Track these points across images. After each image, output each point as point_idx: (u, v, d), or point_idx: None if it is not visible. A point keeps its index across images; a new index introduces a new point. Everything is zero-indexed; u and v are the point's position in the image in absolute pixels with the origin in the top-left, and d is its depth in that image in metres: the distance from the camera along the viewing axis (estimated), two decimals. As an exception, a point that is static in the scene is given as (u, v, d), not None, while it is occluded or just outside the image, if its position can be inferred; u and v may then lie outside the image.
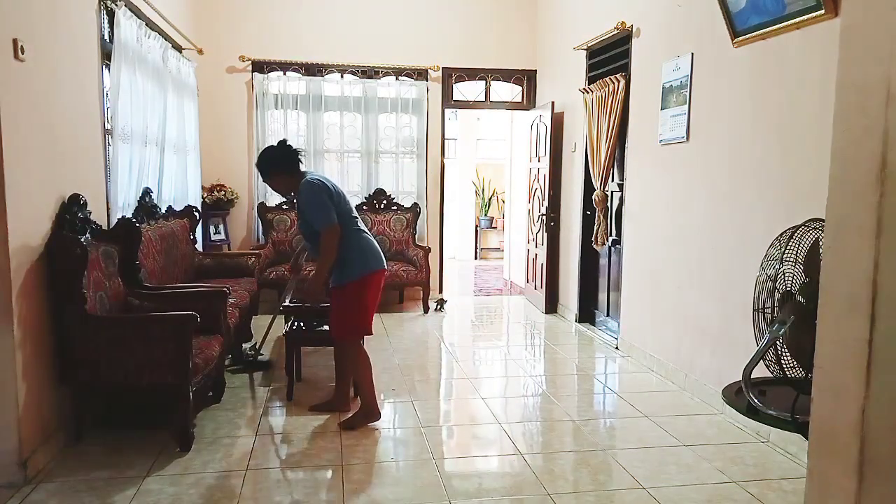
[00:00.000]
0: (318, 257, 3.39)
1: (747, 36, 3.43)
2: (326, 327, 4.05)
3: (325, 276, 3.39)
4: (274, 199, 6.65)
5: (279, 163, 3.42)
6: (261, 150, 3.59)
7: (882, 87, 1.17)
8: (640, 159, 4.77)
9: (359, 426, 3.44)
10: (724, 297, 3.70)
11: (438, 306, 6.64)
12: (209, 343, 3.44)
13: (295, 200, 3.48)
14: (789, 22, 3.11)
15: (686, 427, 3.50)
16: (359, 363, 3.51)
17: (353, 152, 6.84)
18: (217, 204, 6.31)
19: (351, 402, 3.68)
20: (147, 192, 4.42)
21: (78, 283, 3.02)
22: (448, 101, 6.99)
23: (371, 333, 3.57)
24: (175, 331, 3.05)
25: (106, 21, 3.90)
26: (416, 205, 6.84)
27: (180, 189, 5.39)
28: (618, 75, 4.95)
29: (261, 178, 3.57)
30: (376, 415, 3.50)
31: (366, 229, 3.53)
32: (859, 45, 1.25)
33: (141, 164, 4.33)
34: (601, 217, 5.31)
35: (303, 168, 3.50)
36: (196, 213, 5.35)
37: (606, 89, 5.10)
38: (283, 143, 3.50)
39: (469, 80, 7.07)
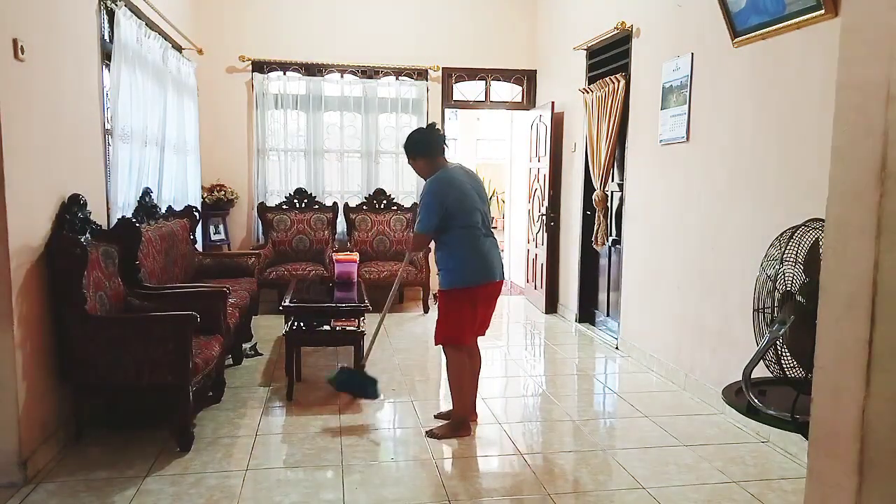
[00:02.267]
0: (411, 249, 3.60)
1: (747, 36, 3.43)
2: (327, 327, 4.07)
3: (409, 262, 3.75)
4: (274, 199, 6.65)
5: (418, 147, 3.39)
6: (413, 130, 3.54)
7: (882, 87, 1.17)
8: (640, 159, 4.77)
9: (448, 437, 3.32)
10: (724, 297, 3.70)
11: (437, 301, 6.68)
12: (209, 343, 3.44)
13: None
14: (789, 22, 3.11)
15: (686, 427, 3.50)
16: (456, 368, 3.38)
17: (353, 152, 6.84)
18: (217, 204, 6.31)
19: (474, 409, 3.56)
20: (147, 192, 4.42)
21: (78, 283, 3.02)
22: (448, 101, 6.99)
23: (466, 343, 3.40)
24: (175, 331, 3.05)
25: (106, 21, 3.90)
26: (416, 205, 6.83)
27: (180, 189, 5.39)
28: (618, 75, 4.95)
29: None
30: (467, 430, 3.37)
31: (491, 233, 3.39)
32: (859, 45, 1.25)
33: (141, 164, 4.33)
34: (601, 217, 5.31)
35: (448, 158, 3.44)
36: (196, 213, 5.35)
37: (606, 89, 5.09)
38: (431, 126, 3.48)
39: (469, 80, 7.07)
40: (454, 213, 3.24)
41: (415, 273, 6.37)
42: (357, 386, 3.70)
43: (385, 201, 6.80)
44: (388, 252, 6.66)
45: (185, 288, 3.89)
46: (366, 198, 6.81)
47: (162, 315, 3.15)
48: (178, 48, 5.52)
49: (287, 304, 4.10)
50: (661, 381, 4.30)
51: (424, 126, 3.48)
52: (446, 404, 4.06)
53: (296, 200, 6.60)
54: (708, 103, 3.90)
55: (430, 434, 3.35)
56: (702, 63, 3.95)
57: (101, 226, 3.49)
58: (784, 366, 2.10)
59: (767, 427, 3.04)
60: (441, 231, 3.27)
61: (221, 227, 6.42)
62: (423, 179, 3.42)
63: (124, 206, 4.01)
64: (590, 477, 2.97)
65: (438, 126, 3.40)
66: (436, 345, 3.47)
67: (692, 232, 4.06)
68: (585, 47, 5.59)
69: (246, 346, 4.81)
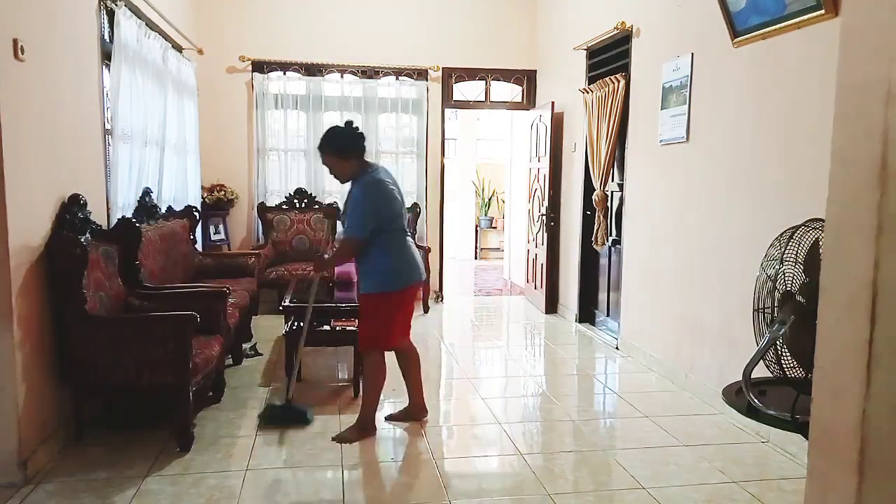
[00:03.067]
0: (334, 255, 3.43)
1: (747, 36, 3.43)
2: (326, 327, 4.06)
3: (330, 266, 3.54)
4: (274, 199, 6.65)
5: (351, 145, 3.23)
6: (330, 127, 3.31)
7: (882, 87, 1.17)
8: (640, 159, 4.77)
9: (354, 440, 3.29)
10: (724, 297, 3.70)
11: (437, 298, 6.87)
12: (209, 343, 3.44)
13: (350, 190, 3.28)
14: (789, 22, 3.11)
15: (686, 427, 3.50)
16: (376, 373, 3.36)
17: (353, 152, 6.83)
18: (217, 204, 6.31)
19: (424, 407, 3.57)
20: (147, 192, 4.42)
21: (78, 283, 3.02)
22: (448, 101, 6.99)
23: (393, 347, 3.41)
24: (175, 331, 3.04)
25: (106, 21, 3.90)
26: (416, 205, 6.83)
27: (180, 189, 5.39)
28: (618, 75, 4.95)
29: (321, 159, 3.30)
30: (373, 430, 3.38)
31: (409, 234, 3.41)
32: (859, 45, 1.25)
33: (141, 164, 4.33)
34: (601, 217, 5.31)
35: (368, 158, 3.32)
36: (196, 213, 5.35)
37: (606, 89, 5.09)
38: (351, 124, 3.29)
39: (469, 80, 7.07)
40: (388, 216, 3.19)
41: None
42: (287, 419, 3.48)
43: (385, 201, 6.79)
44: (388, 252, 6.65)
45: (185, 288, 3.89)
46: (366, 198, 6.79)
47: (162, 315, 3.15)
48: (178, 48, 5.52)
49: (287, 304, 4.09)
50: (661, 381, 4.30)
51: (343, 125, 3.27)
52: (445, 404, 4.07)
53: (296, 200, 6.61)
54: (708, 103, 3.90)
55: (339, 439, 3.28)
56: (702, 63, 3.95)
57: (101, 226, 3.49)
58: (784, 366, 2.10)
59: (767, 427, 3.04)
60: (373, 234, 3.17)
61: (221, 227, 6.42)
62: (343, 181, 3.28)
63: (124, 206, 4.01)
64: (590, 477, 2.97)
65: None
66: (362, 351, 3.42)
67: (692, 232, 4.06)
68: (585, 47, 5.59)
69: (246, 346, 4.81)
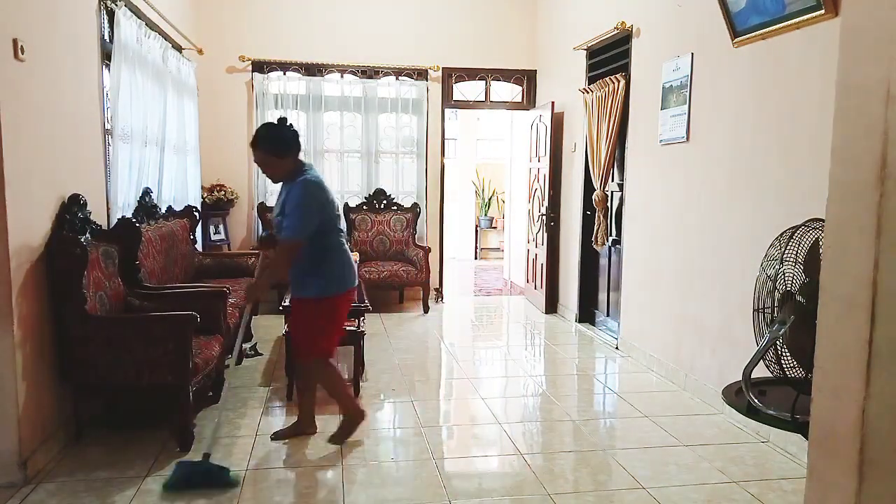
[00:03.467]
0: (274, 266, 3.07)
1: (747, 36, 3.43)
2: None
3: (272, 280, 3.19)
4: (273, 198, 6.62)
5: (284, 145, 3.06)
6: (262, 126, 3.17)
7: (882, 87, 1.17)
8: (640, 159, 4.77)
9: (351, 434, 3.26)
10: (724, 297, 3.70)
11: (437, 298, 6.89)
12: (209, 343, 3.44)
13: (286, 190, 3.11)
14: (789, 22, 3.11)
15: (686, 427, 3.50)
16: (331, 376, 3.26)
17: (353, 152, 6.85)
18: (217, 204, 6.31)
19: (315, 422, 3.38)
20: (147, 192, 4.42)
21: (78, 283, 3.02)
22: (448, 101, 6.99)
23: (333, 354, 3.26)
24: (175, 331, 3.05)
25: (106, 21, 3.90)
26: (416, 205, 6.84)
27: (180, 189, 5.39)
28: (618, 75, 4.95)
29: (254, 157, 3.13)
30: (362, 414, 3.32)
31: (345, 236, 3.27)
32: (859, 45, 1.25)
33: (141, 164, 4.33)
34: (601, 217, 5.31)
35: (303, 158, 3.18)
36: (196, 213, 5.35)
37: (606, 89, 5.09)
38: (289, 124, 3.12)
39: (469, 80, 7.07)
40: (329, 217, 3.08)
41: (415, 273, 6.38)
42: (203, 477, 2.81)
43: (385, 201, 6.80)
44: (388, 252, 6.66)
45: (185, 288, 3.89)
46: (366, 198, 6.81)
47: (162, 315, 3.15)
48: (178, 48, 5.52)
49: (287, 303, 4.09)
50: (661, 381, 4.30)
51: (276, 122, 3.10)
52: (445, 404, 4.07)
53: (286, 190, 6.58)
54: (708, 103, 3.90)
55: (333, 440, 3.24)
56: (702, 63, 3.95)
57: (101, 226, 3.49)
58: (784, 366, 2.10)
59: (767, 427, 3.04)
60: (311, 237, 3.03)
61: (221, 227, 6.42)
62: (279, 180, 3.13)
63: (124, 206, 4.01)
64: (590, 477, 2.97)
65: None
66: (304, 362, 3.28)
67: (692, 232, 4.06)
68: (585, 47, 5.59)
69: (246, 346, 4.81)
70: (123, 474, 2.88)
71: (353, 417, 3.31)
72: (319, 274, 3.10)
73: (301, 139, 3.18)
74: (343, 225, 3.28)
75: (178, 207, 5.21)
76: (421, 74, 6.83)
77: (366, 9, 6.69)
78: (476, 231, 11.04)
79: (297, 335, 3.25)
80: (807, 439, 1.42)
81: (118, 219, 3.70)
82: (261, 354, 4.78)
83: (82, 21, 3.56)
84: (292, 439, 3.29)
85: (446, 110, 7.10)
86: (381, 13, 6.72)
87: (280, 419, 3.62)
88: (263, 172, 3.21)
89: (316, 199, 3.03)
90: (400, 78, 6.80)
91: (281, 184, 3.18)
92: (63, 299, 3.02)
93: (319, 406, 3.75)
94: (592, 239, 5.45)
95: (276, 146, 3.05)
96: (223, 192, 6.33)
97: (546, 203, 6.39)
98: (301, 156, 3.17)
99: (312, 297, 3.12)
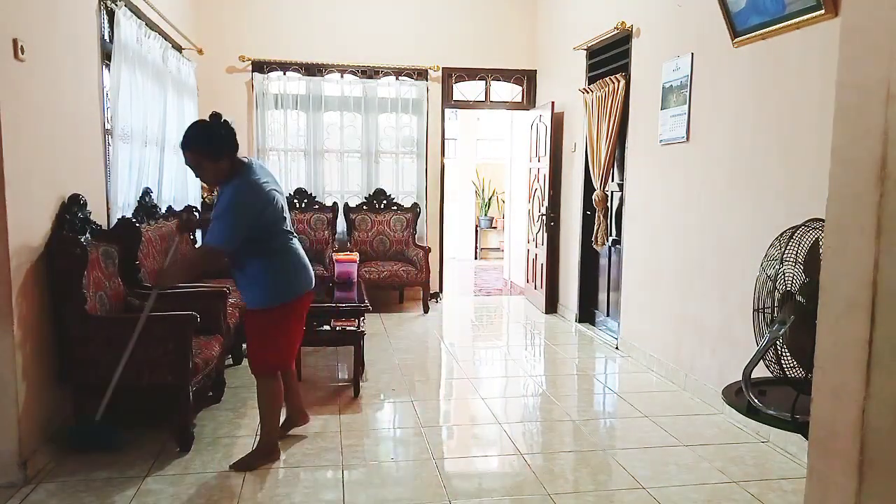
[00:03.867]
0: (190, 263, 2.89)
1: (747, 36, 3.43)
2: (327, 327, 4.06)
3: (181, 277, 2.99)
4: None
5: (221, 144, 2.73)
6: (192, 124, 2.86)
7: (882, 87, 1.17)
8: (640, 159, 4.77)
9: (257, 466, 2.95)
10: (724, 297, 3.70)
11: (437, 298, 6.93)
12: (209, 343, 3.44)
13: (218, 192, 2.84)
14: (789, 22, 3.11)
15: (686, 427, 3.50)
16: (273, 397, 3.00)
17: (353, 152, 6.85)
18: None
19: (279, 449, 3.11)
20: (147, 192, 4.42)
21: (78, 283, 3.02)
22: (448, 101, 6.99)
23: (289, 369, 3.08)
24: (175, 331, 3.05)
25: (106, 21, 3.90)
26: (416, 205, 6.84)
27: (180, 189, 5.39)
28: (618, 75, 4.95)
29: (184, 160, 2.81)
30: (277, 454, 3.05)
31: (296, 236, 3.00)
32: (859, 45, 1.25)
33: (141, 164, 4.33)
34: (601, 217, 5.31)
35: (240, 155, 2.83)
36: (196, 213, 5.34)
37: (606, 89, 5.09)
38: (224, 120, 2.79)
39: (469, 80, 7.07)
40: (270, 221, 2.80)
41: (415, 273, 6.38)
42: (94, 440, 3.04)
43: (385, 201, 6.80)
44: (388, 252, 6.66)
45: (185, 288, 3.89)
46: (366, 198, 6.81)
47: (162, 315, 3.14)
48: (178, 48, 5.52)
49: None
50: (661, 381, 4.30)
51: (209, 119, 2.78)
52: (445, 404, 4.07)
53: (296, 200, 6.60)
54: (708, 103, 3.90)
55: (238, 466, 2.94)
56: (702, 63, 3.95)
57: (101, 226, 3.49)
58: (784, 366, 2.10)
59: (767, 427, 3.04)
60: (251, 243, 2.78)
61: (221, 227, 6.41)
62: (222, 182, 2.79)
63: (124, 206, 4.01)
64: (590, 477, 2.97)
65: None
66: (256, 374, 3.01)
67: (692, 232, 4.06)
68: (585, 47, 5.59)
69: (245, 345, 4.81)
70: (123, 474, 2.88)
71: (266, 452, 3.02)
72: (264, 283, 2.85)
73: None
74: (290, 225, 2.95)
75: (178, 207, 5.21)
76: (421, 74, 6.83)
77: (366, 9, 6.69)
78: (476, 231, 11.04)
79: (248, 348, 3.05)
80: (807, 439, 1.42)
81: (118, 219, 3.70)
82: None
83: (82, 21, 3.56)
84: (289, 437, 3.29)
85: (446, 110, 7.10)
86: (381, 13, 6.72)
87: (280, 419, 3.61)
88: (196, 176, 2.87)
89: (249, 205, 2.72)
90: (400, 78, 6.80)
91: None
92: (63, 299, 3.02)
93: (320, 405, 3.76)
94: (592, 239, 5.45)
95: (208, 147, 2.72)
96: (223, 192, 6.32)
97: (546, 203, 6.39)
98: (257, 154, 2.84)
99: (258, 307, 2.89)
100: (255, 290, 2.87)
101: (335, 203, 6.71)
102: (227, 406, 3.74)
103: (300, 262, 2.96)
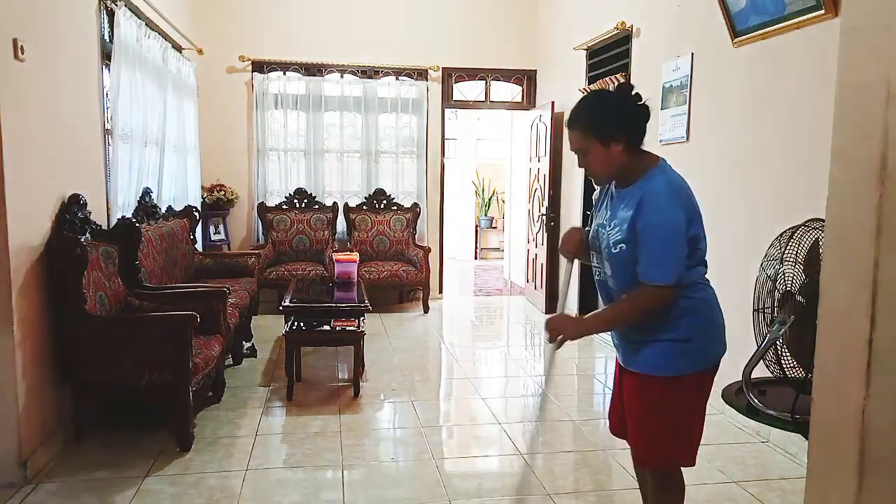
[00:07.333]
0: (613, 310, 1.98)
1: (747, 36, 3.43)
2: (327, 327, 4.06)
3: (594, 331, 2.10)
4: (274, 199, 6.64)
5: (624, 123, 2.01)
6: (593, 92, 2.21)
7: (882, 87, 1.17)
8: (640, 159, 4.76)
9: None
10: (724, 297, 3.67)
11: (437, 298, 6.92)
12: (209, 343, 3.44)
13: (624, 199, 2.02)
14: (789, 22, 3.11)
15: (686, 427, 3.50)
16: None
17: (353, 152, 6.84)
18: (217, 204, 6.31)
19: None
20: (147, 192, 4.42)
21: (78, 283, 3.02)
22: (448, 101, 6.99)
23: (694, 464, 2.10)
24: (175, 331, 3.05)
25: (106, 21, 3.90)
26: (416, 205, 6.84)
27: (180, 189, 5.39)
28: (618, 75, 4.95)
29: (570, 145, 2.06)
30: None
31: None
32: (859, 45, 1.25)
33: (141, 164, 4.33)
34: (601, 217, 5.30)
35: (645, 149, 2.07)
36: (196, 213, 5.35)
37: (606, 89, 5.09)
38: (636, 93, 2.07)
39: (469, 80, 7.07)
40: (695, 249, 2.02)
41: (415, 273, 6.38)
42: None
43: (385, 201, 6.80)
44: (388, 252, 6.66)
45: (185, 288, 3.89)
46: (366, 198, 6.80)
47: (162, 315, 3.15)
48: (178, 48, 5.52)
49: (287, 304, 4.10)
50: (661, 381, 4.29)
51: (616, 89, 2.14)
52: (445, 404, 4.07)
53: (296, 200, 6.61)
54: (708, 103, 3.90)
55: None
56: (702, 63, 3.94)
57: (101, 226, 3.49)
58: (784, 366, 2.10)
59: (767, 427, 3.04)
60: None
61: (221, 227, 6.42)
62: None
63: (124, 206, 4.01)
64: (590, 477, 2.97)
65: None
66: (648, 467, 2.23)
67: (692, 232, 4.05)
68: (585, 47, 5.59)
69: (246, 345, 4.81)
70: (123, 474, 2.88)
71: None
72: (680, 333, 1.93)
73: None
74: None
75: (178, 207, 5.21)
76: (421, 74, 6.83)
77: (366, 9, 6.68)
78: (476, 231, 11.03)
79: (643, 434, 2.07)
80: (807, 439, 1.42)
81: (118, 219, 3.70)
82: (255, 356, 4.74)
83: (82, 21, 3.56)
84: (289, 437, 3.29)
85: (446, 110, 7.10)
86: (381, 13, 6.72)
87: (280, 419, 3.62)
88: (580, 166, 2.07)
89: (682, 216, 1.96)
90: (400, 78, 6.80)
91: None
92: (63, 299, 3.02)
93: (319, 405, 3.76)
94: (592, 239, 5.45)
95: (600, 123, 2.00)
96: (223, 192, 6.33)
97: (546, 203, 6.39)
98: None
99: (669, 373, 1.94)
100: (663, 347, 1.94)
101: (335, 203, 6.71)
102: (227, 406, 3.74)
103: (720, 311, 2.06)
